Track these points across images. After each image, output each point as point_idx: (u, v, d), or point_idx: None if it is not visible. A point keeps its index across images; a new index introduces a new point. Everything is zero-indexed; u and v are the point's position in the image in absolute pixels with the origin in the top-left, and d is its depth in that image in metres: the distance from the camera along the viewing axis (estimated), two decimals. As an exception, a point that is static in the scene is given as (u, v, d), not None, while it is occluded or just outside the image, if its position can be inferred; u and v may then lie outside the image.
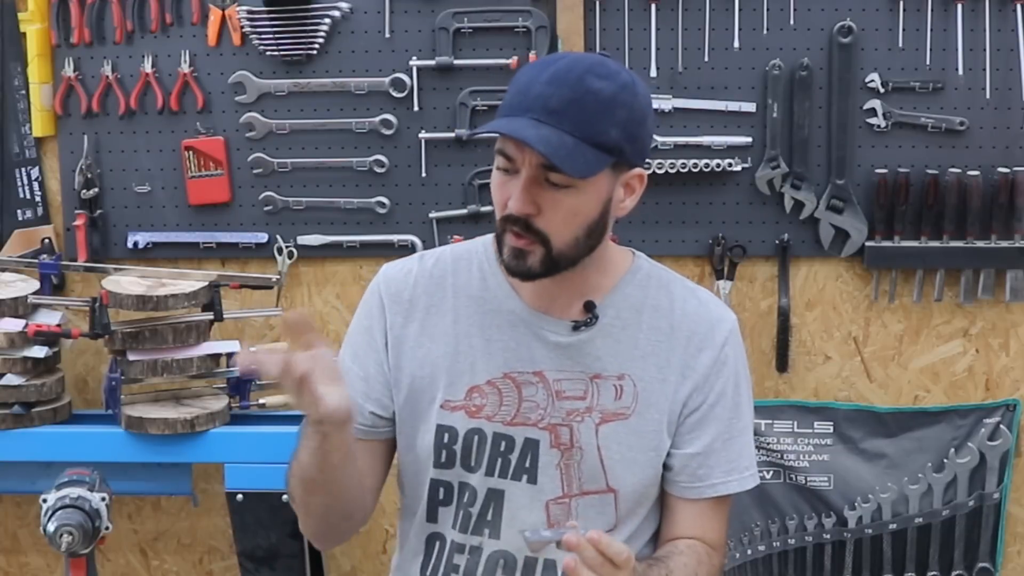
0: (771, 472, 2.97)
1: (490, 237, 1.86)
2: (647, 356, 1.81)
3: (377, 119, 2.90)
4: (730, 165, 2.87)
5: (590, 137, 1.65)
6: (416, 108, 2.89)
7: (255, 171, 2.95)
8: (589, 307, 1.79)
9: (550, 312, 1.80)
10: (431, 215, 2.93)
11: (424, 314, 1.84)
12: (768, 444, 2.96)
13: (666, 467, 1.85)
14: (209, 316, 2.81)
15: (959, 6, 2.80)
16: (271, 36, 2.87)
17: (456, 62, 2.85)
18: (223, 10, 2.88)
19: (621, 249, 1.88)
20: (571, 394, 1.80)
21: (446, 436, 1.81)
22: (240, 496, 2.75)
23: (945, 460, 2.95)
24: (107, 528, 2.28)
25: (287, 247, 2.91)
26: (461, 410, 1.80)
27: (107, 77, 2.92)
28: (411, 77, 2.88)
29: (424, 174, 2.91)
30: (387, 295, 1.86)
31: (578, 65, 1.66)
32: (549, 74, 1.66)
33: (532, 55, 2.83)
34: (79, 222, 2.94)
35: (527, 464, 1.79)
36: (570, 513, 1.79)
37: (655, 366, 1.81)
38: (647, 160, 1.84)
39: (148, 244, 2.98)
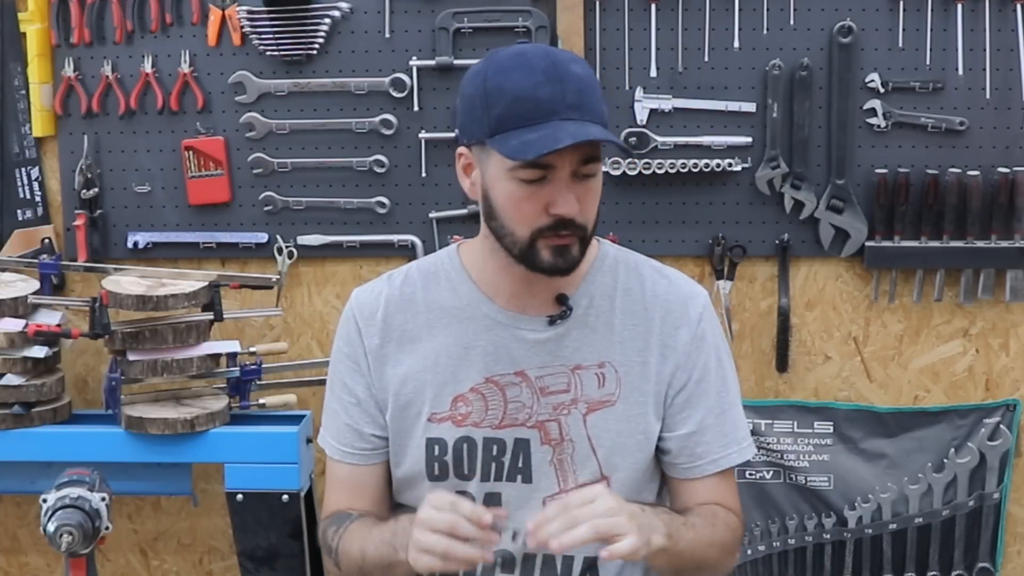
0: (771, 472, 2.98)
1: (453, 248, 1.89)
2: (625, 341, 1.82)
3: (377, 119, 2.90)
4: (730, 165, 2.87)
5: (601, 118, 1.69)
6: (416, 108, 2.89)
7: (255, 171, 2.95)
8: (562, 300, 1.81)
9: (525, 311, 1.81)
10: (431, 215, 2.93)
11: (400, 332, 1.85)
12: (768, 444, 2.96)
13: (664, 451, 1.85)
14: (209, 316, 2.81)
15: (959, 6, 2.80)
16: (271, 36, 2.87)
17: (456, 62, 2.85)
18: (223, 10, 2.88)
19: None
20: (555, 388, 1.81)
21: (436, 449, 1.82)
22: (240, 496, 2.75)
23: (945, 460, 2.95)
24: (107, 528, 2.28)
25: (287, 247, 2.91)
26: (448, 420, 1.81)
27: (107, 77, 2.92)
28: (411, 77, 2.88)
29: (424, 174, 2.91)
30: (361, 319, 1.87)
31: (551, 57, 1.69)
32: (541, 72, 1.66)
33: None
34: (79, 222, 2.94)
35: (520, 464, 1.80)
36: None
37: (634, 350, 1.82)
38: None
39: (148, 244, 2.98)
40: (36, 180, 2.99)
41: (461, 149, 1.77)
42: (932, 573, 2.97)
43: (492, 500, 1.81)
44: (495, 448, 1.80)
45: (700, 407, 1.83)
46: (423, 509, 1.63)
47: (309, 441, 2.84)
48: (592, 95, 1.68)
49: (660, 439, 1.84)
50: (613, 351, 1.81)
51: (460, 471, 1.81)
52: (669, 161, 2.86)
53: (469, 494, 1.81)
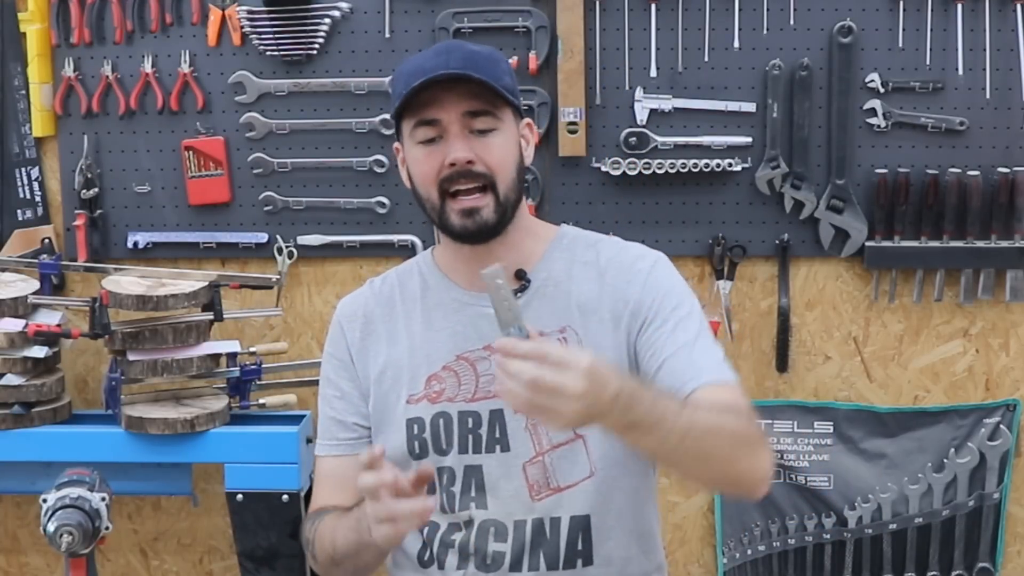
0: (771, 472, 2.97)
1: (430, 249, 2.00)
2: (582, 305, 1.86)
3: (377, 119, 2.91)
4: (730, 165, 2.87)
5: (494, 79, 1.77)
6: (416, 108, 2.89)
7: (255, 171, 2.95)
8: (520, 275, 1.88)
9: (487, 290, 1.84)
10: (431, 215, 2.93)
11: (378, 325, 1.95)
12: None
13: None
14: (209, 316, 2.81)
15: (959, 6, 2.80)
16: (271, 36, 2.88)
17: (456, 62, 2.85)
18: (223, 10, 2.88)
19: (546, 223, 1.98)
20: None
21: (415, 428, 1.87)
22: (240, 496, 2.75)
23: (945, 460, 2.95)
24: (107, 528, 2.28)
25: (287, 247, 2.91)
26: (424, 400, 1.87)
27: (107, 77, 2.92)
28: (411, 77, 2.88)
29: (424, 174, 2.91)
30: (344, 319, 1.99)
31: (451, 41, 1.88)
32: (431, 52, 1.81)
33: (532, 55, 2.83)
34: (79, 222, 2.94)
35: (497, 435, 1.84)
36: (546, 470, 1.82)
37: (591, 311, 1.86)
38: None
39: (148, 244, 2.98)
40: (36, 180, 2.99)
41: (396, 145, 1.90)
42: (932, 573, 2.97)
43: (472, 472, 1.85)
44: (471, 420, 1.85)
45: (655, 346, 1.81)
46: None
47: (309, 441, 2.84)
48: (481, 62, 1.77)
49: None
50: (572, 316, 1.86)
51: (438, 446, 1.86)
52: (669, 161, 2.86)
53: (448, 467, 1.85)
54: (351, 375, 1.95)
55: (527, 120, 1.88)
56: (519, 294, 1.86)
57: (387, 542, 1.66)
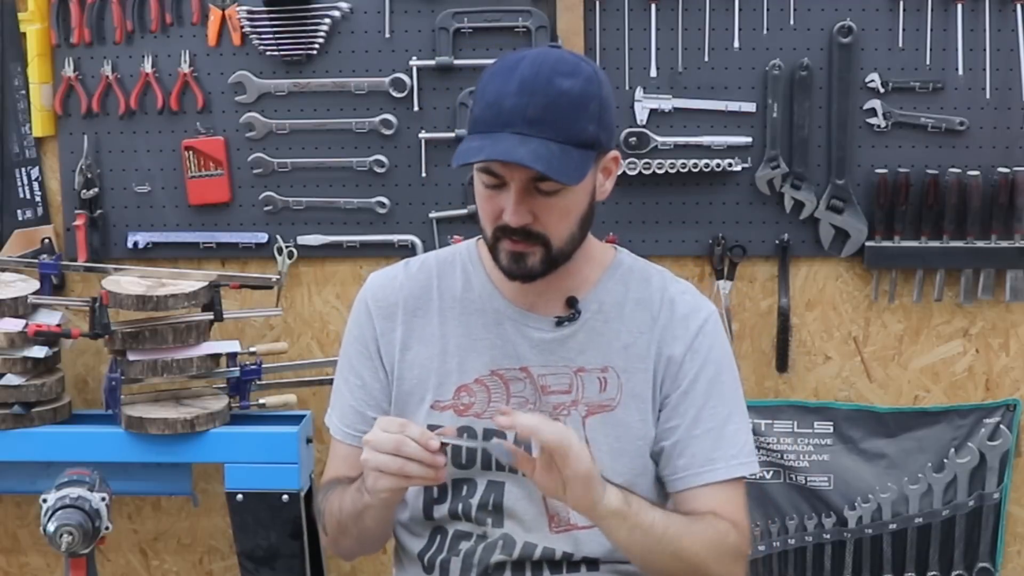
0: (771, 472, 2.98)
1: (473, 240, 1.91)
2: (628, 347, 1.83)
3: (377, 119, 2.90)
4: (730, 165, 2.87)
5: (572, 138, 1.67)
6: (416, 108, 2.89)
7: (255, 171, 2.95)
8: (571, 303, 1.83)
9: (534, 309, 1.84)
10: (431, 215, 2.93)
11: (410, 318, 1.88)
12: (768, 444, 2.96)
13: (655, 461, 1.85)
14: (209, 316, 2.81)
15: (959, 6, 2.80)
16: (271, 36, 2.87)
17: (456, 62, 2.85)
18: (223, 10, 2.88)
19: (603, 245, 1.91)
20: (556, 388, 1.82)
21: None
22: (240, 496, 2.75)
23: (945, 460, 2.95)
24: (107, 528, 2.28)
25: (287, 247, 2.91)
26: (450, 409, 1.83)
27: (107, 77, 2.92)
28: (411, 77, 2.88)
29: (424, 174, 2.91)
30: (373, 303, 1.91)
31: (543, 67, 1.67)
32: (517, 83, 1.65)
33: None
34: (79, 222, 2.94)
35: None
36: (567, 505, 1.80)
37: (637, 357, 1.83)
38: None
39: (148, 244, 2.98)
40: (36, 180, 2.99)
41: None
42: (932, 573, 2.97)
43: (494, 488, 1.83)
44: (495, 439, 1.81)
45: (684, 419, 1.82)
46: (372, 431, 1.66)
47: (309, 441, 2.84)
48: (563, 112, 1.66)
49: (652, 448, 1.85)
50: (617, 357, 1.82)
51: (458, 460, 1.83)
52: (669, 161, 2.86)
53: (470, 479, 1.84)
54: (373, 365, 1.89)
55: (613, 154, 1.78)
56: (567, 323, 1.82)
57: (384, 492, 1.67)
